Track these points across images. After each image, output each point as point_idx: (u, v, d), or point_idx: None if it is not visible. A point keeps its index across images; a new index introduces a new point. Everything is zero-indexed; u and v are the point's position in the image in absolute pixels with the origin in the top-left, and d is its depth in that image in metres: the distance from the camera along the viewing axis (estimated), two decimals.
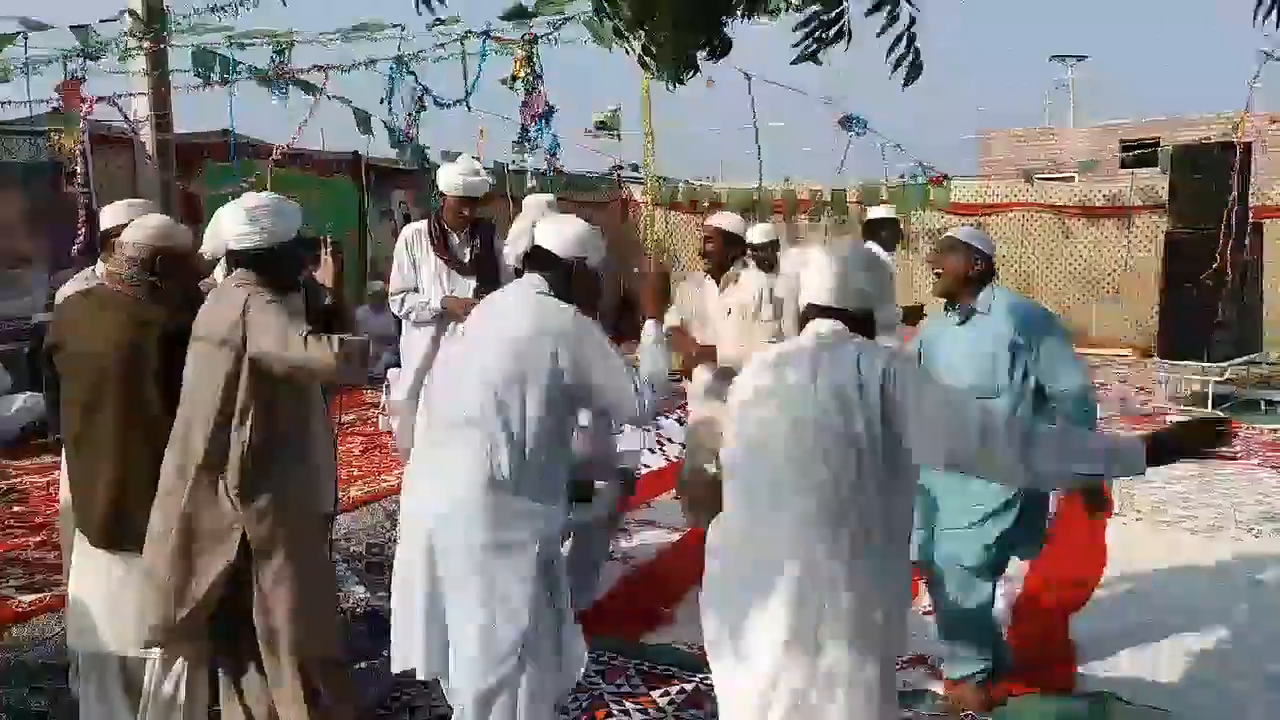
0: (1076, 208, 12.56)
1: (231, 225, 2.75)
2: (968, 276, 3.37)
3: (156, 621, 2.66)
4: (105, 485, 2.78)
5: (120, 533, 2.77)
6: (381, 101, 4.54)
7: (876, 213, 6.68)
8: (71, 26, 4.75)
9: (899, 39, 1.69)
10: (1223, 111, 8.26)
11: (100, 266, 4.00)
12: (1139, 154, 11.79)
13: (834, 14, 1.71)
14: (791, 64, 1.80)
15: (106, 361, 2.76)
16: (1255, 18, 1.62)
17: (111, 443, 2.77)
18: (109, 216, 3.85)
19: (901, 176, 12.48)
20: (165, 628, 2.67)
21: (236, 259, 2.79)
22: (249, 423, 2.63)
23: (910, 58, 1.71)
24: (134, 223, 2.90)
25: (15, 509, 5.77)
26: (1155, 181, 12.18)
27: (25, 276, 7.62)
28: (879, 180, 12.42)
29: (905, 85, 1.76)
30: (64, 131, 5.58)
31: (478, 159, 4.94)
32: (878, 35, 1.70)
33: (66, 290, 3.65)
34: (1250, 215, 8.95)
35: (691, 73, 1.92)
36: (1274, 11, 1.59)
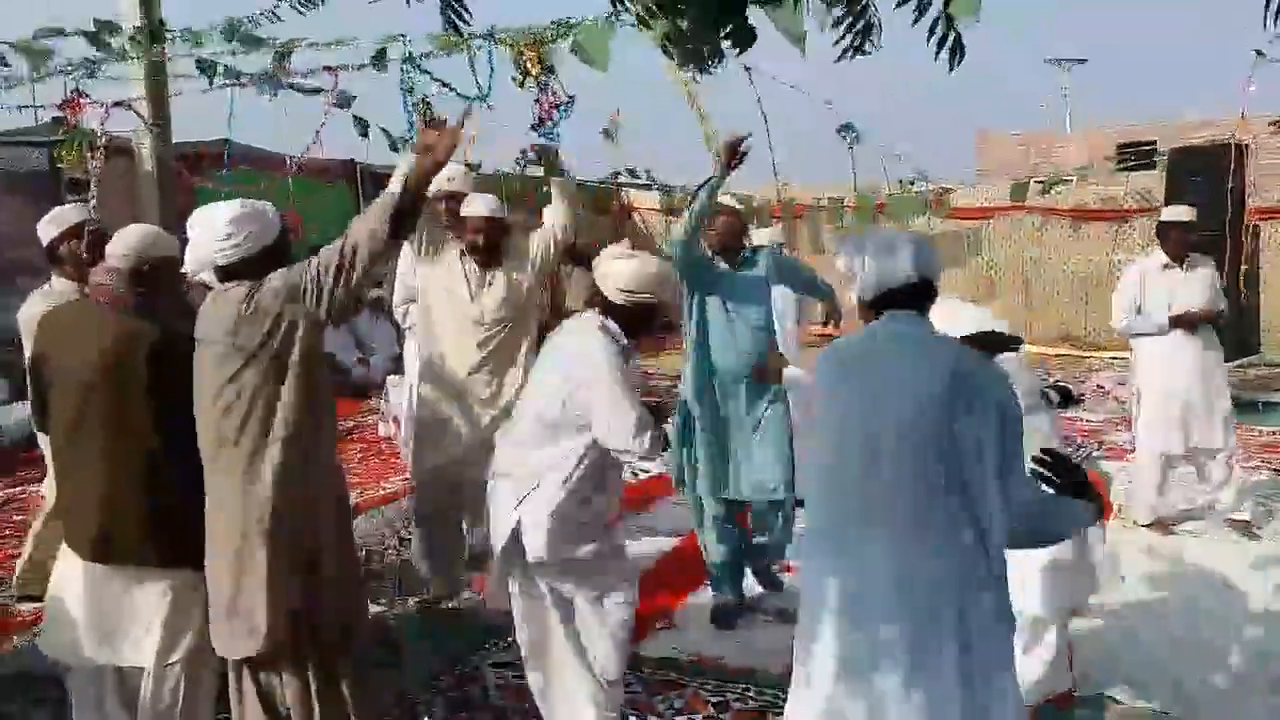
0: (1073, 211, 12.56)
1: (213, 240, 2.62)
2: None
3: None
4: (94, 501, 2.71)
5: (110, 548, 2.72)
6: (407, 94, 4.47)
7: (1174, 214, 5.57)
8: (83, 32, 4.71)
9: (936, 21, 1.68)
10: (1220, 114, 8.25)
11: (57, 281, 3.91)
12: (1135, 161, 11.78)
13: (859, 7, 1.70)
14: (835, 62, 1.79)
15: (92, 376, 2.68)
16: (1265, 22, 1.61)
17: (99, 458, 2.70)
18: (49, 229, 3.80)
19: (900, 182, 12.46)
20: None
21: (226, 272, 2.66)
22: None
23: (951, 39, 1.69)
24: (118, 234, 2.82)
25: (15, 517, 5.77)
26: (1152, 184, 12.19)
27: (25, 286, 7.62)
28: (880, 186, 12.40)
29: (950, 69, 1.75)
30: (67, 145, 5.50)
31: (473, 165, 4.91)
32: (912, 24, 1.69)
33: (33, 308, 3.54)
34: (1247, 217, 8.96)
35: (718, 61, 1.90)
36: None
